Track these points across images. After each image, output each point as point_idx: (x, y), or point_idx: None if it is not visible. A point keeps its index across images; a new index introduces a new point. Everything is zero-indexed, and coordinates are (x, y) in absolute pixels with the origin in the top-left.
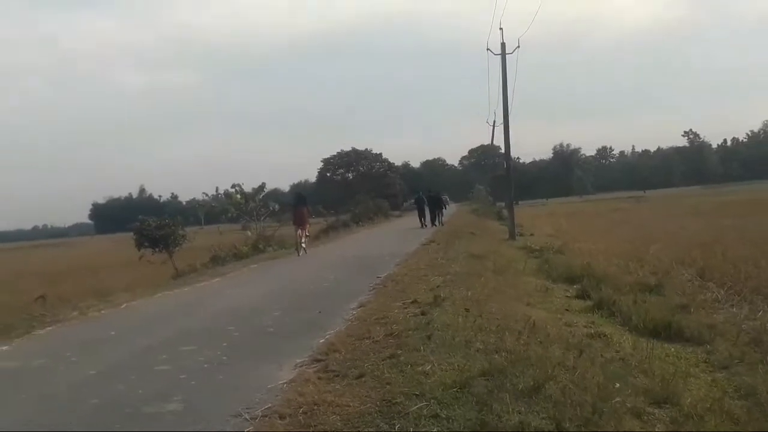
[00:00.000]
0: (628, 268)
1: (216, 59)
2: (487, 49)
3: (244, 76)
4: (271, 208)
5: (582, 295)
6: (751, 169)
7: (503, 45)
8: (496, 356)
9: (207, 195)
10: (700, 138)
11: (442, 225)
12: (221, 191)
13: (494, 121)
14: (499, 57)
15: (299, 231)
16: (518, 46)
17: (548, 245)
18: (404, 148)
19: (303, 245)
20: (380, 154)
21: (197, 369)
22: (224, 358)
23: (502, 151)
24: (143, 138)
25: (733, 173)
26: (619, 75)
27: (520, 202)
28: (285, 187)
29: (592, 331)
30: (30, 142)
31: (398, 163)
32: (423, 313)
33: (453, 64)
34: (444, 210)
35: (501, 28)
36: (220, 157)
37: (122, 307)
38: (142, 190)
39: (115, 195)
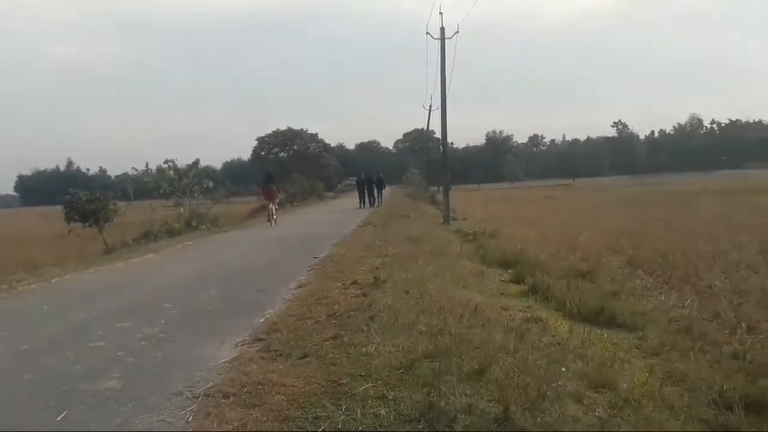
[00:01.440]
0: (559, 254)
1: (147, 32)
2: (427, 33)
3: (176, 52)
4: (205, 186)
5: (516, 280)
6: (677, 161)
7: (443, 29)
8: (440, 338)
9: (137, 170)
10: (628, 129)
11: (380, 206)
12: (151, 167)
13: (430, 106)
14: (438, 42)
15: (270, 205)
16: (457, 31)
17: (481, 230)
18: (339, 129)
19: (274, 216)
20: (316, 134)
21: (135, 346)
22: (162, 335)
23: (437, 135)
24: (71, 110)
25: (659, 164)
26: (553, 64)
27: (452, 187)
28: (217, 164)
29: (529, 315)
30: None
31: (333, 144)
32: (364, 294)
33: (391, 46)
34: (383, 191)
35: (441, 13)
36: (150, 133)
37: (53, 281)
38: (69, 163)
39: (42, 167)
